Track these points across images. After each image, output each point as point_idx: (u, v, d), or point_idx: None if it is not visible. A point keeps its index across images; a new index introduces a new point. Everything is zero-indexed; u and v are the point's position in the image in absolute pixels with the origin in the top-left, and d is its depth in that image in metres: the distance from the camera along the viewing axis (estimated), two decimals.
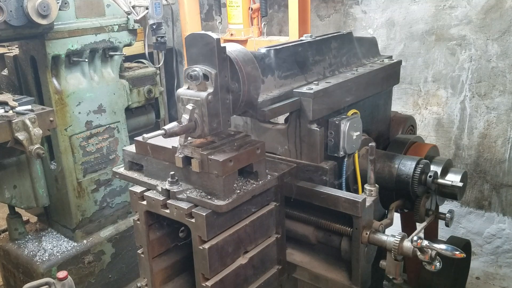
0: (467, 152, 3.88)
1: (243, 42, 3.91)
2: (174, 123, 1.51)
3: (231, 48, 1.63)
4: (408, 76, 3.95)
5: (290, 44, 2.03)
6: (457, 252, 1.66)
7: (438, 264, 1.71)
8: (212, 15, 5.14)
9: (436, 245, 1.67)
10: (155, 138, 1.77)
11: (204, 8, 5.29)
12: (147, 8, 3.78)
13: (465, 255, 1.66)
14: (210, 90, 1.51)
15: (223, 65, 1.53)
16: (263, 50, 1.91)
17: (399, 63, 2.48)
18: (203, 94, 1.50)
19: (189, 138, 1.60)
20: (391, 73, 2.42)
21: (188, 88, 1.55)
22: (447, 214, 2.38)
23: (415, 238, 1.65)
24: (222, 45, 1.53)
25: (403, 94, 4.03)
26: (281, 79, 1.93)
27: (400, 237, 1.72)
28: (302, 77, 2.02)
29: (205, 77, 1.51)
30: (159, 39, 3.94)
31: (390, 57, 2.55)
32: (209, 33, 1.51)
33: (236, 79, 1.60)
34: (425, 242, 1.66)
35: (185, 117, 1.51)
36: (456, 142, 3.91)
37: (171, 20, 5.18)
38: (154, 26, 3.83)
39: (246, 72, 1.62)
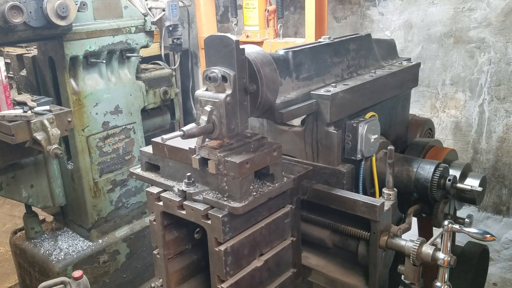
0: (485, 156, 3.82)
1: (259, 43, 3.90)
2: (193, 125, 1.51)
3: (250, 50, 1.62)
4: (426, 79, 3.91)
5: (308, 46, 2.01)
6: (488, 236, 1.66)
7: None
8: (227, 17, 5.15)
9: (466, 229, 1.68)
10: (173, 139, 1.79)
11: (220, 10, 5.31)
12: (163, 10, 3.81)
13: (495, 238, 1.65)
14: (229, 91, 1.50)
15: (242, 66, 1.52)
16: (281, 52, 1.90)
17: (417, 65, 2.45)
18: (222, 96, 1.50)
19: (207, 139, 1.60)
20: (410, 76, 2.39)
21: (207, 90, 1.55)
22: (466, 219, 2.33)
23: (445, 222, 1.64)
24: (241, 46, 1.52)
25: (421, 97, 3.98)
26: (299, 81, 1.92)
27: (419, 242, 1.69)
28: (320, 79, 2.01)
29: (224, 78, 1.50)
30: (175, 40, 3.97)
31: (409, 59, 2.52)
32: (228, 35, 1.50)
33: (255, 81, 1.59)
34: (456, 226, 1.65)
35: (203, 118, 1.51)
36: (474, 146, 3.85)
37: (187, 22, 5.20)
38: (171, 28, 3.85)
39: (264, 74, 1.60)
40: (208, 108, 1.51)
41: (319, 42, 2.12)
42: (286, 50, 1.91)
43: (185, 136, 1.49)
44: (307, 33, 3.61)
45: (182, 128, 1.50)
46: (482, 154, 3.83)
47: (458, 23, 3.68)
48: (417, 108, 4.00)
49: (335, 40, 2.15)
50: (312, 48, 2.01)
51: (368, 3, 4.15)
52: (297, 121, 2.11)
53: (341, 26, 4.38)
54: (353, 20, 4.29)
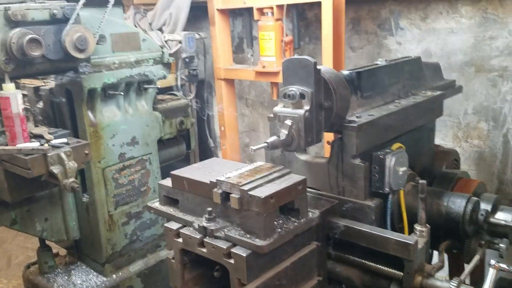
0: (511, 187, 3.68)
1: (275, 74, 3.88)
2: (274, 137, 1.68)
3: (324, 70, 1.79)
4: (447, 108, 3.79)
5: (370, 68, 2.15)
6: None
7: None
8: (241, 48, 5.16)
9: None
10: (191, 172, 1.75)
11: (235, 41, 5.33)
12: (180, 42, 3.84)
13: None
14: (307, 107, 1.67)
15: (318, 85, 1.70)
16: (346, 73, 2.02)
17: (442, 95, 2.39)
18: (301, 111, 1.66)
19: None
20: (435, 105, 2.33)
21: (284, 107, 1.72)
22: (501, 244, 2.19)
23: (492, 262, 1.56)
24: (318, 67, 1.70)
25: (443, 127, 3.89)
26: (362, 99, 2.05)
27: (456, 283, 1.57)
28: (380, 98, 2.13)
29: (301, 96, 1.68)
30: (191, 71, 3.98)
31: (454, 81, 2.81)
32: (307, 57, 1.70)
33: (329, 98, 1.76)
34: (504, 266, 1.57)
35: (284, 132, 1.67)
36: (499, 177, 3.72)
37: (202, 53, 5.23)
38: (187, 60, 3.87)
39: (338, 91, 1.78)
40: (288, 122, 1.67)
41: (377, 64, 2.24)
42: (351, 71, 2.03)
43: (270, 147, 1.67)
44: (324, 63, 3.57)
45: (266, 140, 1.67)
46: (508, 185, 3.69)
47: (479, 52, 3.62)
48: (439, 138, 3.89)
49: (391, 62, 2.28)
50: (372, 69, 2.14)
51: (385, 32, 4.12)
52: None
53: (357, 56, 4.35)
54: (370, 50, 4.26)
